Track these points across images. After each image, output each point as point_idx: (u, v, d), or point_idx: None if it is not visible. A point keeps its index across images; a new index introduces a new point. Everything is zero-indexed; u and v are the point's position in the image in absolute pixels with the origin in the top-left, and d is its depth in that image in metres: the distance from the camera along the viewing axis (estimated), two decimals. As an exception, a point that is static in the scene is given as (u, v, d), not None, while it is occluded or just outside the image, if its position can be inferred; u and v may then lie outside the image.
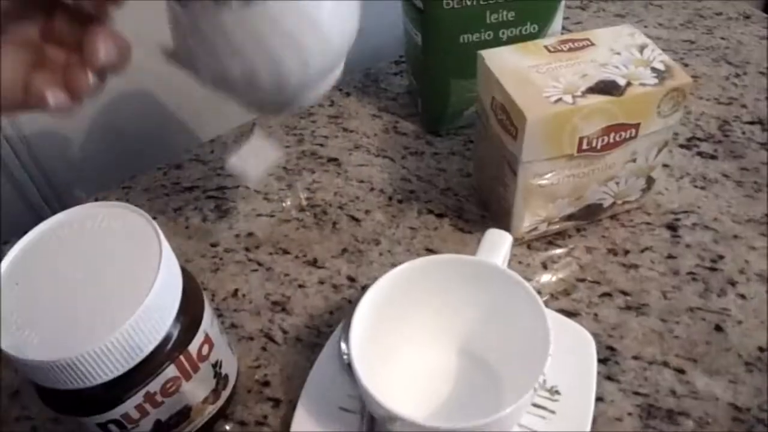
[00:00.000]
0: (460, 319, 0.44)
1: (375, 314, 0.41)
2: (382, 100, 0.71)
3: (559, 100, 0.46)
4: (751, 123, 0.66)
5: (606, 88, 0.47)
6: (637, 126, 0.49)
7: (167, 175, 0.64)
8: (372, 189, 0.62)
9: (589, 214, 0.55)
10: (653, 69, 0.49)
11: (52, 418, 0.47)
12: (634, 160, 0.52)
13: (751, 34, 0.78)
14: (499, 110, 0.49)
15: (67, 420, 0.38)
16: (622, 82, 0.48)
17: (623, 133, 0.49)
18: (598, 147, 0.49)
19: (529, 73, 0.49)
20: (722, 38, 0.77)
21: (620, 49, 0.51)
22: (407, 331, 0.44)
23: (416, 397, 0.43)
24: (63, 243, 0.38)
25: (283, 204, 0.61)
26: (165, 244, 0.37)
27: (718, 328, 0.49)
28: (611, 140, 0.49)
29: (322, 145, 0.66)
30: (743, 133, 0.65)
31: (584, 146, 0.48)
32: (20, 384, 0.49)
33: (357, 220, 0.59)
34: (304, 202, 0.61)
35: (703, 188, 0.59)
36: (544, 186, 0.50)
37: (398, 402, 0.36)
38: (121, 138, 0.66)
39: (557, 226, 0.55)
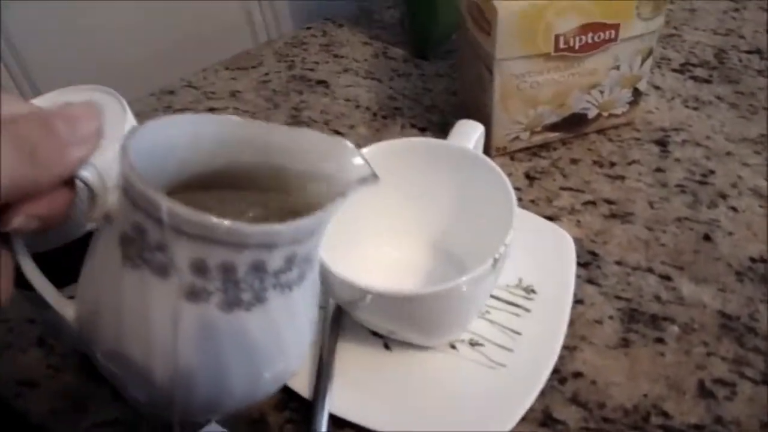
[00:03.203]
0: (428, 210, 0.40)
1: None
2: (373, 29, 0.67)
3: (534, -6, 0.42)
4: (749, 52, 0.60)
5: (583, -16, 0.43)
6: (616, 27, 0.45)
7: (160, 100, 0.61)
8: (358, 107, 0.58)
9: (574, 125, 0.50)
10: (634, -32, 0.45)
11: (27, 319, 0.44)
12: (617, 68, 0.47)
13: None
14: (474, 10, 0.45)
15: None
16: (600, -22, 0.43)
17: (602, 34, 0.45)
18: (576, 47, 0.45)
19: (505, -28, 0.44)
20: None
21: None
22: (375, 223, 0.40)
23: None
24: None
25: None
26: (130, 116, 0.34)
27: (707, 238, 0.44)
28: (589, 40, 0.45)
29: (311, 69, 0.63)
30: (740, 60, 0.59)
31: (561, 45, 0.44)
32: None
33: (341, 133, 0.55)
34: (290, 120, 0.57)
35: (695, 108, 0.54)
36: (523, 89, 0.46)
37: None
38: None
39: (540, 137, 0.50)
